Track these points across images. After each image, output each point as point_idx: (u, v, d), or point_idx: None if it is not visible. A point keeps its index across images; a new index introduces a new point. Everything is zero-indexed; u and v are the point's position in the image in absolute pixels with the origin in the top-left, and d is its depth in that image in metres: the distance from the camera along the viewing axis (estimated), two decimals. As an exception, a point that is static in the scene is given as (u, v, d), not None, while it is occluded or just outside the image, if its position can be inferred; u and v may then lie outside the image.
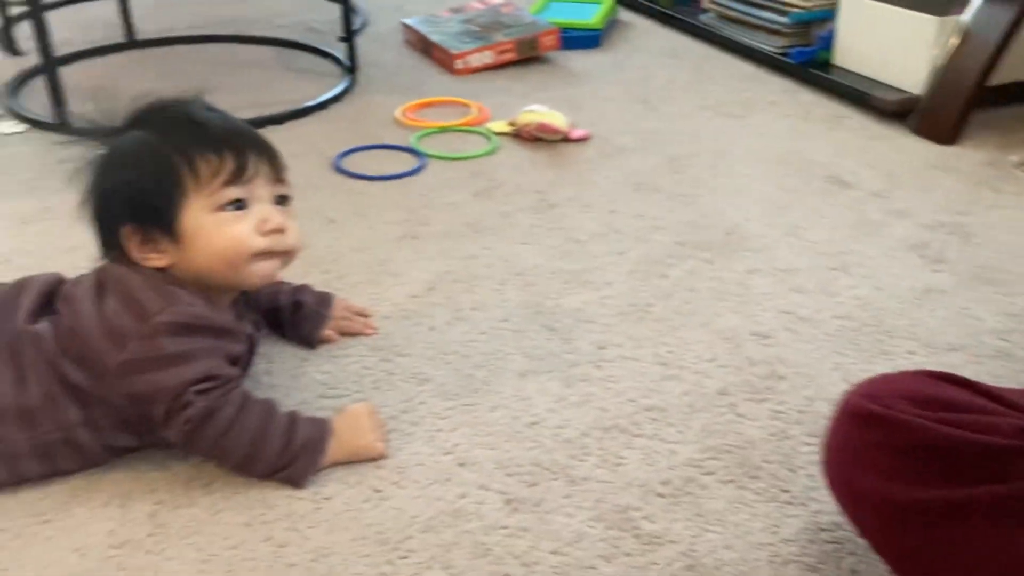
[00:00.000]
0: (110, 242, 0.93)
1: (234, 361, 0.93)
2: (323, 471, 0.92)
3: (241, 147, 0.91)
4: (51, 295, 0.96)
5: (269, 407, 0.91)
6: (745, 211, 1.47)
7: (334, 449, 0.92)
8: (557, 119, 1.70)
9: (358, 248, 1.35)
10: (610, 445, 0.97)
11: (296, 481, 0.90)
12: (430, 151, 1.66)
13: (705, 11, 2.33)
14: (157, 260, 0.91)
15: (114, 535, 0.85)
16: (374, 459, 0.94)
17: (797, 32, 2.05)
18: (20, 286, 0.97)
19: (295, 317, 1.12)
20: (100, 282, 0.91)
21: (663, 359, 1.11)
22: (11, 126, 1.72)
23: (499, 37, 2.10)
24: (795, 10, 2.02)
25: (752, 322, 1.19)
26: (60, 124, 1.69)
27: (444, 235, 1.39)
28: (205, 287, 0.92)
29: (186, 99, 0.96)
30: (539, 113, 1.71)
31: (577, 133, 1.72)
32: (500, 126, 1.76)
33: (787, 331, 1.17)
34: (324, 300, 1.15)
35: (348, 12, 1.99)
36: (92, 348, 0.88)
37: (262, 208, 0.92)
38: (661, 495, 0.91)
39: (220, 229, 0.90)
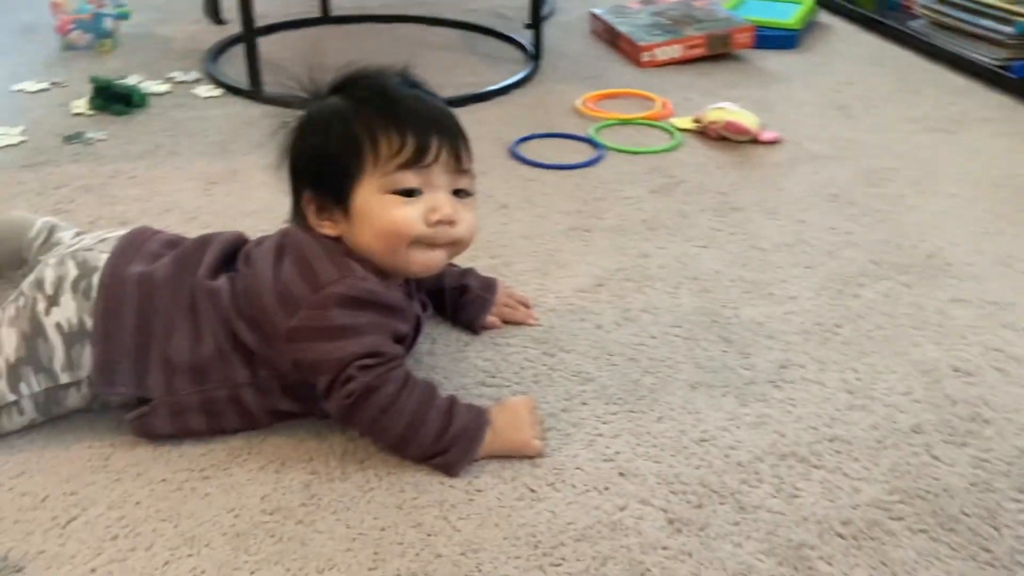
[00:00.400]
0: (297, 205, 0.93)
1: (399, 340, 0.91)
2: (477, 462, 0.89)
3: (426, 131, 0.88)
4: (233, 253, 0.97)
5: (430, 390, 0.89)
6: (950, 234, 1.34)
7: (491, 441, 0.89)
8: (747, 119, 1.61)
9: (528, 236, 1.31)
10: (786, 474, 0.89)
11: (450, 469, 0.87)
12: (609, 143, 1.60)
13: (915, 17, 2.17)
14: (330, 229, 0.90)
15: (267, 500, 0.84)
16: (530, 456, 0.90)
17: (1022, 44, 1.86)
18: (204, 242, 0.98)
19: (460, 300, 1.10)
20: (280, 245, 0.91)
21: (850, 386, 1.01)
22: (208, 90, 1.79)
23: (689, 31, 2.02)
24: (1023, 20, 1.84)
25: (954, 356, 1.07)
26: (254, 91, 1.74)
27: (617, 230, 1.33)
28: (377, 265, 0.90)
29: (389, 71, 0.94)
30: (728, 111, 1.62)
31: (767, 135, 1.63)
32: (684, 122, 1.68)
33: (995, 370, 1.05)
34: (489, 285, 1.12)
35: (537, 0, 1.96)
36: (264, 310, 0.88)
37: (435, 196, 0.89)
38: (841, 536, 0.82)
39: (385, 210, 0.87)
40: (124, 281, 0.92)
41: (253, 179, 1.44)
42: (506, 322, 1.11)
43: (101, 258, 0.93)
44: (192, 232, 1.03)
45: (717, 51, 2.02)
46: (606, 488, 0.86)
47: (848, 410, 0.98)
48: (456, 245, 0.92)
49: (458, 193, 0.91)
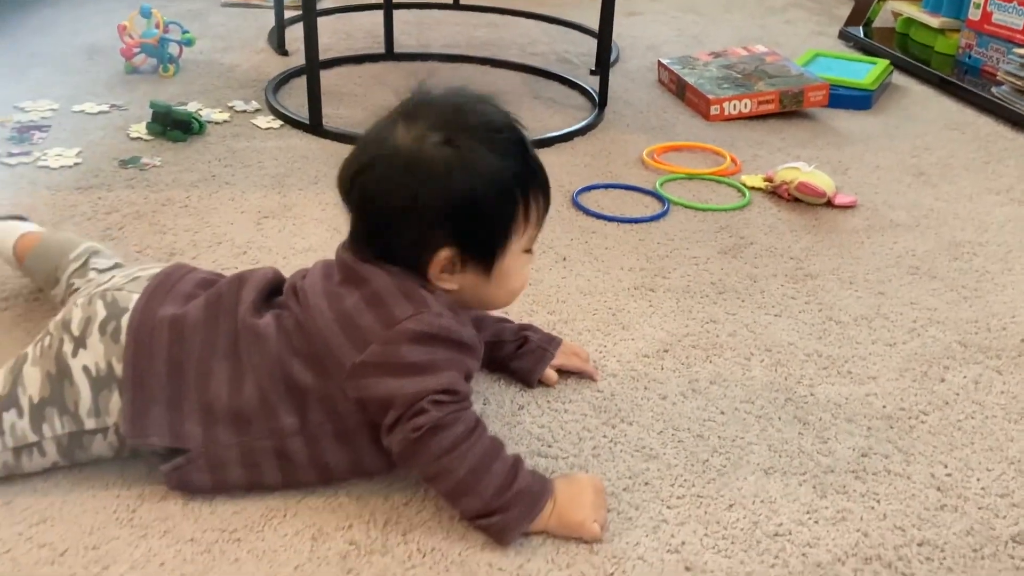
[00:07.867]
0: (388, 248, 0.84)
1: (468, 378, 0.86)
2: (530, 542, 0.81)
3: (548, 189, 0.90)
4: (272, 290, 0.92)
5: (498, 441, 0.83)
6: (1043, 317, 1.25)
7: (549, 515, 0.82)
8: (822, 180, 1.54)
9: (588, 292, 1.25)
10: (871, 581, 0.80)
11: (504, 533, 0.80)
12: (675, 198, 1.54)
13: (998, 83, 2.08)
14: (448, 284, 0.86)
15: (301, 572, 0.78)
16: (587, 541, 0.82)
17: (1116, 117, 1.77)
18: (239, 280, 0.92)
19: (519, 351, 1.04)
20: (334, 276, 0.86)
21: (939, 483, 0.93)
22: (267, 121, 1.76)
23: (761, 86, 1.96)
24: (1118, 92, 1.75)
25: (1054, 456, 0.98)
26: (314, 125, 1.70)
27: (684, 292, 1.26)
28: (460, 301, 0.88)
29: (503, 114, 0.88)
30: (802, 171, 1.55)
31: (842, 199, 1.55)
32: (755, 180, 1.61)
33: (1101, 475, 0.95)
34: (551, 340, 1.06)
35: (605, 47, 1.92)
36: (328, 345, 0.82)
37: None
38: (935, 660, 0.73)
39: (523, 270, 0.90)
40: (154, 324, 0.86)
41: (307, 214, 1.40)
42: (564, 371, 1.05)
43: (131, 298, 0.88)
44: (243, 266, 0.97)
45: (789, 108, 1.95)
46: (670, 583, 0.79)
47: (938, 510, 0.89)
48: None
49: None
